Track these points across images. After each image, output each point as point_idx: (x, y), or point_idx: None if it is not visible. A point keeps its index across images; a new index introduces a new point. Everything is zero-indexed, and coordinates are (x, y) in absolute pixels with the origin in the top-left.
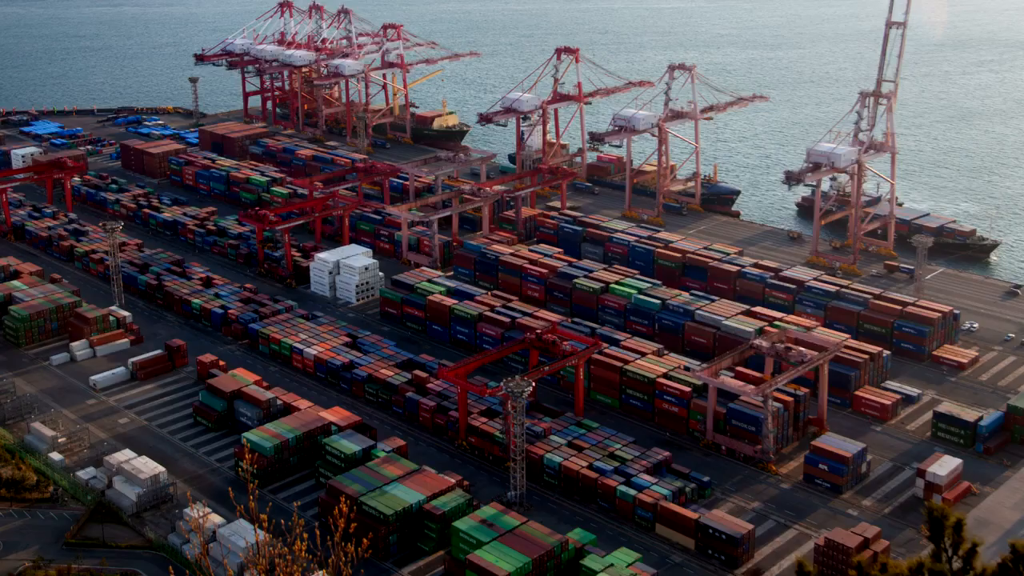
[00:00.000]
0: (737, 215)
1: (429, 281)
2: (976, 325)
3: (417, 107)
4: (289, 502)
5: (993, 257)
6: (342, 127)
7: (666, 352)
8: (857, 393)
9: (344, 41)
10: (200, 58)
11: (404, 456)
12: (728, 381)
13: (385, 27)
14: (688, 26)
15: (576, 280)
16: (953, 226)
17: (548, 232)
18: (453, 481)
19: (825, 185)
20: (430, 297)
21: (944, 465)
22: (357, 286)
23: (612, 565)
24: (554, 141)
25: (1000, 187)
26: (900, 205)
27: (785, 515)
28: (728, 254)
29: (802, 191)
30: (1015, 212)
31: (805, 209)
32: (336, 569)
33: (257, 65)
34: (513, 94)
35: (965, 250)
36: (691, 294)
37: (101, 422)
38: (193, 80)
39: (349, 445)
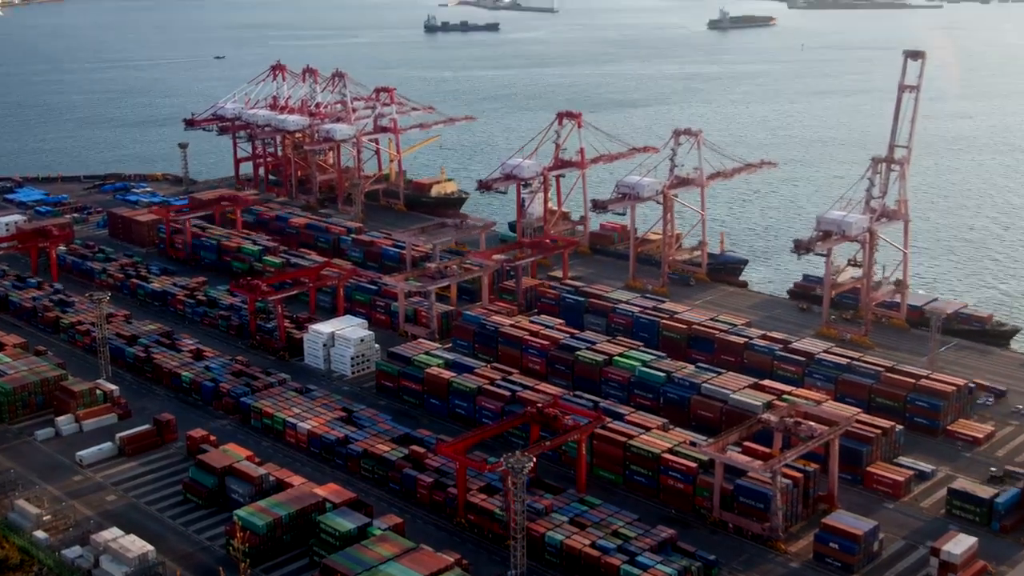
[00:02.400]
0: (745, 285)
1: (427, 353)
2: (992, 399)
3: (405, 173)
4: None
5: (1013, 345)
6: (336, 194)
7: (671, 427)
8: (869, 469)
9: (339, 105)
10: (190, 123)
11: (401, 534)
12: (735, 456)
13: (378, 91)
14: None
15: (578, 352)
16: (968, 311)
17: (549, 303)
18: (452, 560)
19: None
20: (428, 370)
21: (959, 544)
22: (352, 358)
23: None
24: (556, 209)
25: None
26: (897, 284)
27: None
28: (735, 325)
29: (804, 265)
30: None
31: (796, 295)
32: None
33: (249, 130)
34: (513, 160)
35: (983, 337)
36: (697, 367)
37: (87, 499)
38: (183, 146)
39: (344, 523)
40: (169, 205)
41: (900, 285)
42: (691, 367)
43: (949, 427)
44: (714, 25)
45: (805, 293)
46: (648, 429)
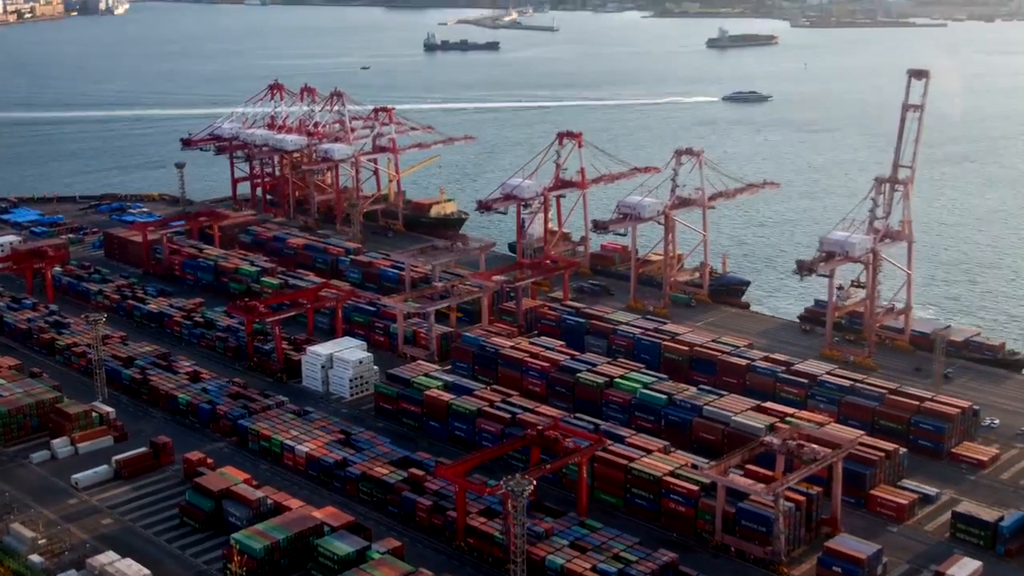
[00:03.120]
0: (747, 306)
1: (426, 375)
2: (997, 421)
3: (404, 193)
4: None
5: None
6: (335, 214)
7: (673, 449)
8: (872, 492)
9: (337, 125)
10: (187, 143)
11: (400, 558)
12: (738, 479)
13: (376, 110)
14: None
15: (579, 374)
16: (979, 339)
17: (550, 324)
18: None
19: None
20: (427, 392)
21: (964, 567)
22: (351, 380)
23: None
24: (556, 229)
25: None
26: (890, 309)
27: None
28: (738, 347)
29: (810, 287)
30: None
31: (808, 321)
32: None
33: (246, 150)
34: (513, 180)
35: (995, 366)
36: (699, 389)
37: (83, 522)
38: (179, 166)
39: (342, 546)
40: (148, 221)
41: (905, 306)
42: (693, 389)
43: (953, 450)
44: (712, 44)
45: (815, 318)
46: (649, 452)
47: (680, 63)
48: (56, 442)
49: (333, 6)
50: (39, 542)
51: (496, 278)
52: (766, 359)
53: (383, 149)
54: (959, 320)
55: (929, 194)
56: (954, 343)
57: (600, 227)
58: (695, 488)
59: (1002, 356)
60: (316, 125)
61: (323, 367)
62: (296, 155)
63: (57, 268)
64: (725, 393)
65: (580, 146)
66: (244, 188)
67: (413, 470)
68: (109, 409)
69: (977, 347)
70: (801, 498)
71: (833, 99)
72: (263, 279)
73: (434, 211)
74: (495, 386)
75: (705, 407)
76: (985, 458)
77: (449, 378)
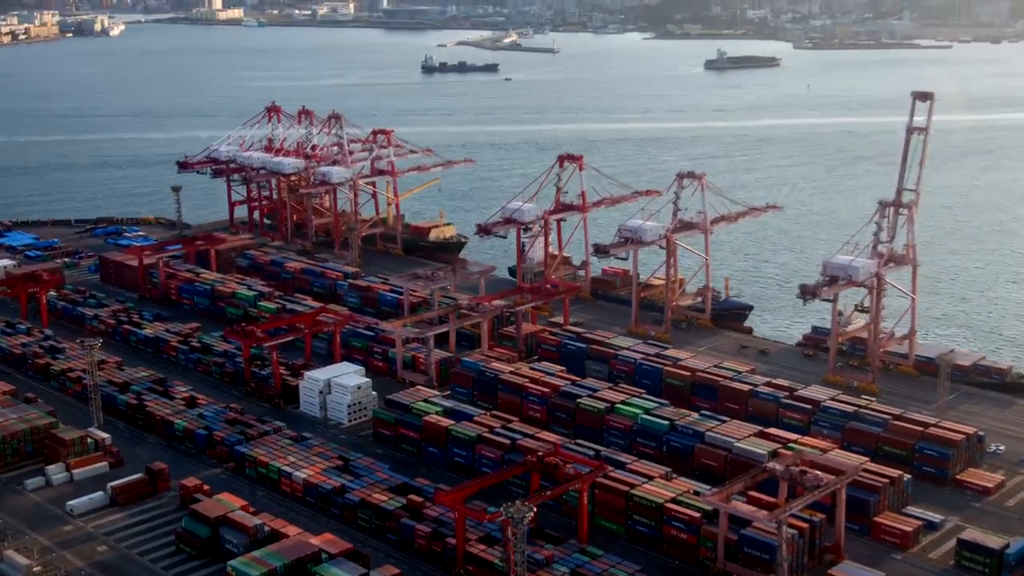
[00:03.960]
0: (749, 331)
1: (425, 401)
2: (1003, 448)
3: (403, 216)
4: None
5: None
6: (333, 238)
7: (675, 476)
8: (876, 519)
9: (335, 148)
10: (183, 165)
11: None
12: (740, 506)
13: (375, 132)
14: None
15: (579, 400)
16: (986, 363)
17: (550, 349)
18: None
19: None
20: (426, 418)
21: None
22: (349, 406)
23: None
24: (556, 253)
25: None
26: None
27: None
28: (740, 372)
29: (812, 312)
30: None
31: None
32: None
33: (243, 173)
34: (513, 204)
35: (1002, 390)
36: (701, 414)
37: (78, 549)
38: (176, 189)
39: (340, 573)
40: (143, 245)
41: (909, 331)
42: (694, 415)
43: (958, 476)
44: (711, 66)
45: (815, 344)
46: (651, 478)
47: (672, 89)
48: (51, 468)
49: (330, 28)
50: (34, 570)
51: (496, 303)
52: (769, 385)
53: (382, 172)
54: (967, 344)
55: (934, 217)
56: (961, 367)
57: (601, 251)
58: (697, 515)
59: (1010, 380)
60: (314, 148)
61: (321, 393)
62: (294, 178)
63: (52, 292)
64: (727, 419)
65: (581, 169)
66: (241, 211)
67: (412, 497)
68: (105, 435)
69: (984, 371)
70: (804, 525)
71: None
72: (260, 304)
73: (433, 235)
74: (495, 412)
75: (707, 433)
76: (990, 485)
77: (448, 404)
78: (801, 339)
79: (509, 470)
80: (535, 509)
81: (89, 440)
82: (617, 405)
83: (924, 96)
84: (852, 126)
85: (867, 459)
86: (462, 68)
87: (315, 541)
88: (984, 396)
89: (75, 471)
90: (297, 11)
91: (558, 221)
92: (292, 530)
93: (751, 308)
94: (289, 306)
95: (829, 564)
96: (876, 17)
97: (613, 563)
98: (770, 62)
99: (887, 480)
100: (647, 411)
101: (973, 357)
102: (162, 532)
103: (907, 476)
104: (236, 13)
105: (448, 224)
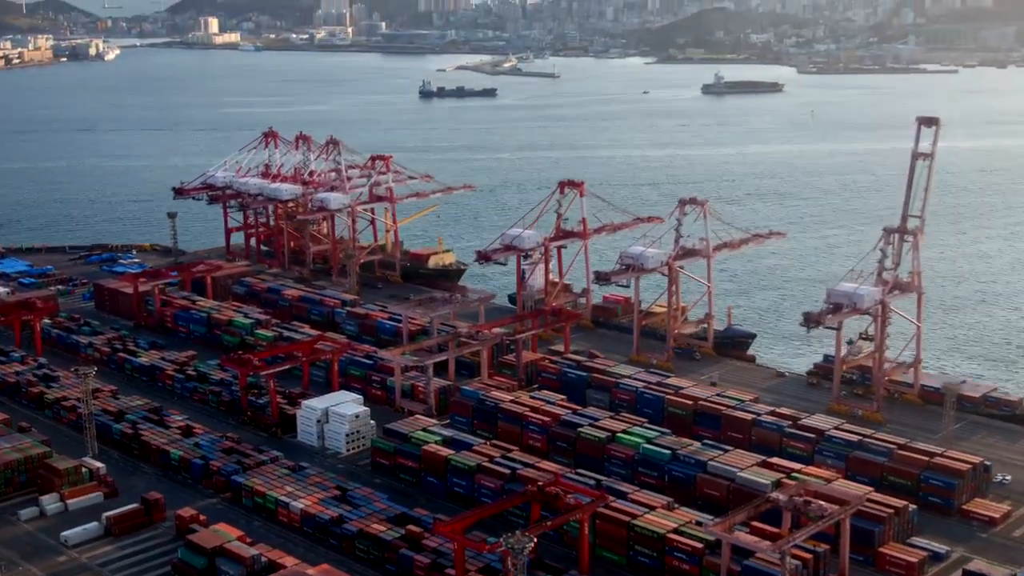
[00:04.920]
0: (752, 360)
1: (424, 430)
2: (1009, 478)
3: (402, 243)
4: None
5: None
6: (330, 265)
7: (677, 506)
8: (881, 550)
9: (333, 174)
10: (179, 192)
11: None
12: (743, 537)
13: (373, 158)
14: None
15: (580, 429)
16: (996, 395)
17: (551, 378)
18: None
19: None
20: (425, 447)
21: None
22: (347, 435)
23: None
24: (557, 281)
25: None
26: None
27: None
28: (743, 401)
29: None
30: None
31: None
32: None
33: (240, 199)
34: (513, 230)
35: (1011, 421)
36: (703, 444)
37: None
38: (171, 215)
39: None
40: (139, 272)
41: (914, 359)
42: (697, 444)
43: (964, 506)
44: (708, 90)
45: (825, 374)
46: (653, 508)
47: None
48: (45, 498)
49: (328, 52)
50: None
51: (496, 330)
52: (772, 414)
53: (380, 198)
54: (977, 374)
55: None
56: (970, 398)
57: (602, 278)
58: (699, 545)
59: (1021, 412)
60: (311, 174)
61: (319, 421)
62: (291, 204)
63: (46, 320)
64: (730, 448)
65: (582, 195)
66: (238, 238)
67: (411, 527)
68: (99, 464)
69: (994, 403)
70: (808, 556)
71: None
72: (257, 331)
73: (432, 262)
74: (495, 441)
75: (710, 463)
76: (997, 515)
77: (448, 433)
78: (813, 367)
79: (509, 500)
80: (535, 539)
81: (84, 470)
82: (618, 434)
83: (929, 121)
84: (857, 152)
85: (872, 489)
86: (460, 93)
87: (312, 572)
88: (991, 426)
89: (69, 501)
90: (295, 35)
91: (559, 248)
92: (289, 561)
93: (754, 336)
94: (286, 334)
95: None
96: (881, 41)
97: None
98: (772, 87)
99: (892, 510)
100: (649, 440)
101: (983, 388)
102: (158, 563)
103: (912, 506)
104: (233, 37)
105: (447, 251)
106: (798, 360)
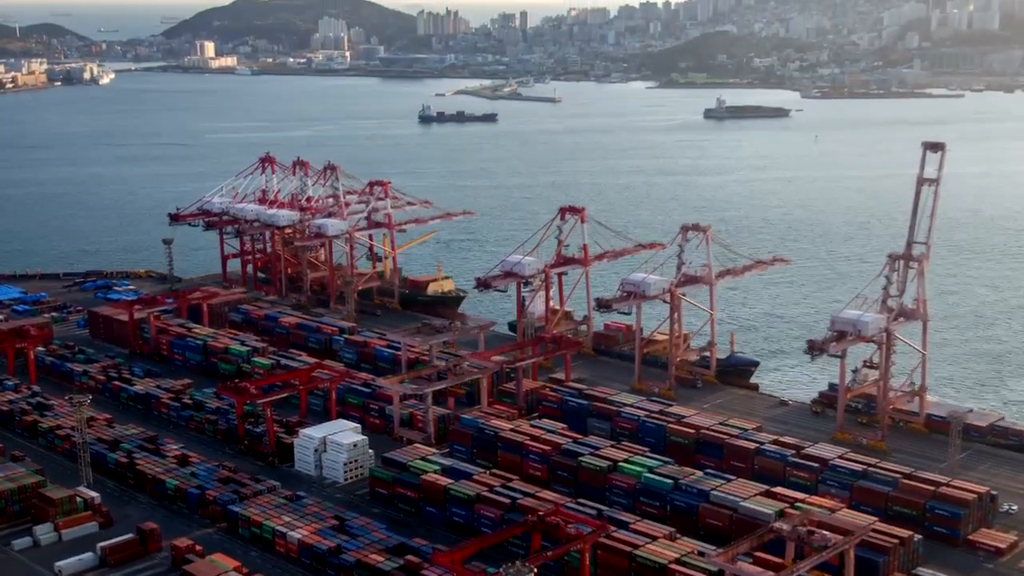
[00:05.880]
0: (756, 388)
1: (423, 459)
2: (1015, 507)
3: (400, 270)
4: None
5: None
6: (328, 292)
7: (679, 536)
8: None
9: (331, 199)
10: (175, 218)
11: None
12: (746, 567)
13: (371, 184)
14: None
15: (581, 458)
16: (1004, 424)
17: (551, 406)
18: None
19: (848, 376)
20: (424, 476)
21: None
22: (345, 464)
23: None
24: (558, 308)
25: None
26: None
27: None
28: (746, 430)
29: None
30: None
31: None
32: None
33: (237, 225)
34: (513, 257)
35: (1020, 452)
36: (706, 473)
37: None
38: (167, 241)
39: None
40: (134, 299)
41: (920, 388)
42: (699, 473)
43: (970, 537)
44: (709, 115)
45: (829, 403)
46: (655, 538)
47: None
48: (39, 528)
49: (325, 76)
50: None
51: (496, 358)
52: (775, 443)
53: (379, 224)
54: (983, 403)
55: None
56: (977, 428)
57: (603, 305)
58: None
59: None
60: (309, 199)
61: (316, 450)
62: (288, 231)
63: (40, 348)
64: (733, 478)
65: (583, 221)
66: (235, 265)
67: (410, 557)
68: (94, 494)
69: (1002, 432)
70: None
71: None
72: (254, 359)
73: (431, 289)
74: (495, 470)
75: (712, 492)
76: (1003, 545)
77: (447, 462)
78: (818, 396)
79: (509, 530)
80: (536, 570)
81: (78, 499)
82: (620, 463)
83: (935, 147)
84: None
85: (876, 519)
86: (460, 118)
87: None
88: (998, 455)
89: (64, 531)
90: (292, 59)
91: (559, 275)
92: None
93: (757, 364)
94: (284, 362)
95: None
96: (886, 65)
97: None
98: (778, 112)
99: (897, 540)
100: (651, 469)
101: (990, 417)
102: None
103: (917, 536)
104: (229, 61)
105: (447, 278)
106: (802, 388)
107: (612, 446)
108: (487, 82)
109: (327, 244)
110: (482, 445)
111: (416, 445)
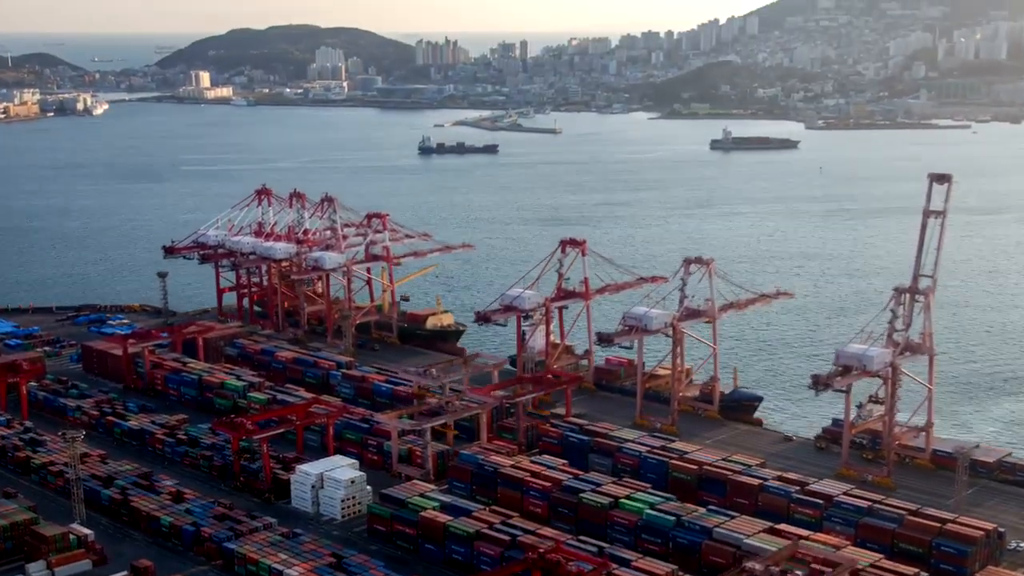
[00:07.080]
0: (759, 423)
1: (421, 496)
2: (1023, 544)
3: (399, 303)
4: None
5: None
6: (325, 326)
7: (681, 573)
8: None
9: (328, 232)
10: (169, 251)
11: None
12: None
13: (369, 216)
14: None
15: (582, 494)
16: (1011, 460)
17: (552, 442)
18: None
19: (852, 412)
20: (423, 513)
21: None
22: (342, 501)
23: None
24: (558, 342)
25: None
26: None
27: None
28: (749, 466)
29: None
30: None
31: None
32: None
33: (232, 258)
34: (513, 291)
35: None
36: (709, 510)
37: None
38: (162, 275)
39: None
40: (128, 333)
41: (926, 422)
42: (702, 510)
43: (977, 574)
44: (716, 146)
45: (834, 438)
46: None
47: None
48: (32, 566)
49: (322, 107)
50: None
51: (495, 393)
52: (779, 479)
53: (377, 257)
54: (991, 439)
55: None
56: (984, 464)
57: (605, 340)
58: None
59: None
60: (306, 232)
61: (313, 487)
62: (285, 264)
63: (33, 383)
64: (736, 514)
65: (584, 254)
66: (230, 298)
67: None
68: (88, 531)
69: (1009, 468)
70: None
71: None
72: (250, 394)
73: (430, 323)
74: (494, 507)
75: (715, 529)
76: None
77: (446, 498)
78: (822, 432)
79: (509, 567)
80: None
81: (71, 536)
82: (621, 500)
83: (941, 178)
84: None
85: (882, 556)
86: (461, 149)
87: None
88: (1005, 492)
89: (57, 569)
90: (289, 90)
91: (560, 308)
92: None
93: (761, 399)
94: (280, 397)
95: None
96: (892, 96)
97: None
98: (785, 144)
99: None
100: (652, 506)
101: (998, 453)
102: None
103: (924, 574)
104: (225, 92)
105: (446, 311)
106: (806, 424)
107: (613, 482)
108: (486, 113)
109: (324, 277)
110: (482, 481)
111: (415, 481)
